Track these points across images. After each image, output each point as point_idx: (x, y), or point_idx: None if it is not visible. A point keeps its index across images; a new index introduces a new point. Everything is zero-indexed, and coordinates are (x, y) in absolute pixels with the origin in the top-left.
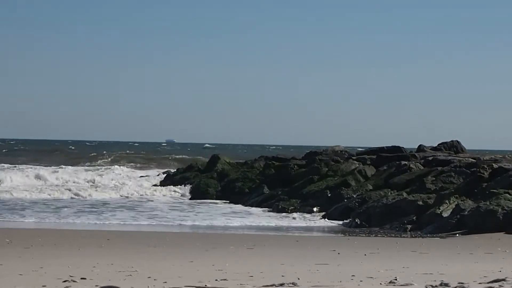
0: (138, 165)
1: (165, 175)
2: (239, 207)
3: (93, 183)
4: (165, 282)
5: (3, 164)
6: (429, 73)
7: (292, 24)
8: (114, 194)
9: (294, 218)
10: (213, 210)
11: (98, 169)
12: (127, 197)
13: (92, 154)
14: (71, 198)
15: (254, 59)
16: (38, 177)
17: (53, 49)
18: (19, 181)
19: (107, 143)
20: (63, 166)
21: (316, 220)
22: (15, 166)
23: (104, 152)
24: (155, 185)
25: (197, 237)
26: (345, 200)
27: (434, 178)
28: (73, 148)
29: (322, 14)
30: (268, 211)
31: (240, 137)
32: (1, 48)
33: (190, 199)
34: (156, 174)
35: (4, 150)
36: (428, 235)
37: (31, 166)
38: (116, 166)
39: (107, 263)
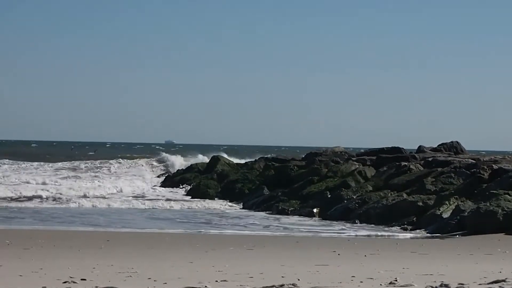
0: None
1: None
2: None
3: None
4: (165, 283)
5: None
6: (429, 74)
7: (292, 25)
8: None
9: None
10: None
11: None
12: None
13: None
14: None
15: (254, 60)
16: None
17: (53, 50)
18: None
19: (103, 144)
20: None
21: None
22: None
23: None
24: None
25: (196, 238)
26: (345, 201)
27: (434, 179)
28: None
29: (322, 15)
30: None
31: (240, 138)
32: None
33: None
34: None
35: None
36: (428, 236)
37: None
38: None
39: (107, 264)
